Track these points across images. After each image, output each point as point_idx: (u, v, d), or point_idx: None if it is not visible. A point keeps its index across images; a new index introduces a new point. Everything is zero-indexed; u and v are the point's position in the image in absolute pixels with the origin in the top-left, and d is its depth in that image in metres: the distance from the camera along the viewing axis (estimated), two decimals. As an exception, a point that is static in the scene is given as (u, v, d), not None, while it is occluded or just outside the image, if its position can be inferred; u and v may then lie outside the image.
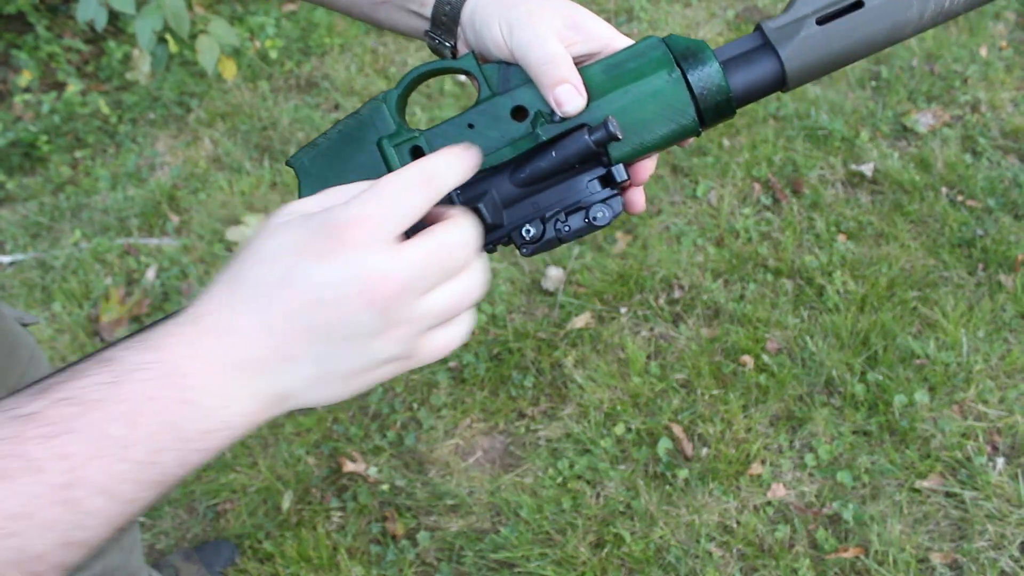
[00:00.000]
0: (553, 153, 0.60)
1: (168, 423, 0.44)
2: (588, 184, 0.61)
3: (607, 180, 0.61)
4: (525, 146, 0.61)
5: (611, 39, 0.63)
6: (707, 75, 0.60)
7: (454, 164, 0.53)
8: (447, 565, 1.68)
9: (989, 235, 2.09)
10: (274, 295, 0.47)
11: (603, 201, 0.61)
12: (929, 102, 2.49)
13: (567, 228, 0.61)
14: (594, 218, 0.61)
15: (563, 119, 0.60)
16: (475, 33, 0.64)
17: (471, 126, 0.62)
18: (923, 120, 2.43)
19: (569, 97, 0.59)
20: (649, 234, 2.21)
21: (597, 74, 0.61)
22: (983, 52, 2.62)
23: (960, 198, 2.21)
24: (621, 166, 0.61)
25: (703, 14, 2.96)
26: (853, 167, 2.31)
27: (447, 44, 0.67)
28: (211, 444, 0.46)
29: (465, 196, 0.61)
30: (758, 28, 0.61)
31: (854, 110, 2.48)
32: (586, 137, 0.58)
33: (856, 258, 2.09)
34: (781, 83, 0.61)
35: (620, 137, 0.58)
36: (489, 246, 0.63)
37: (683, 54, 0.60)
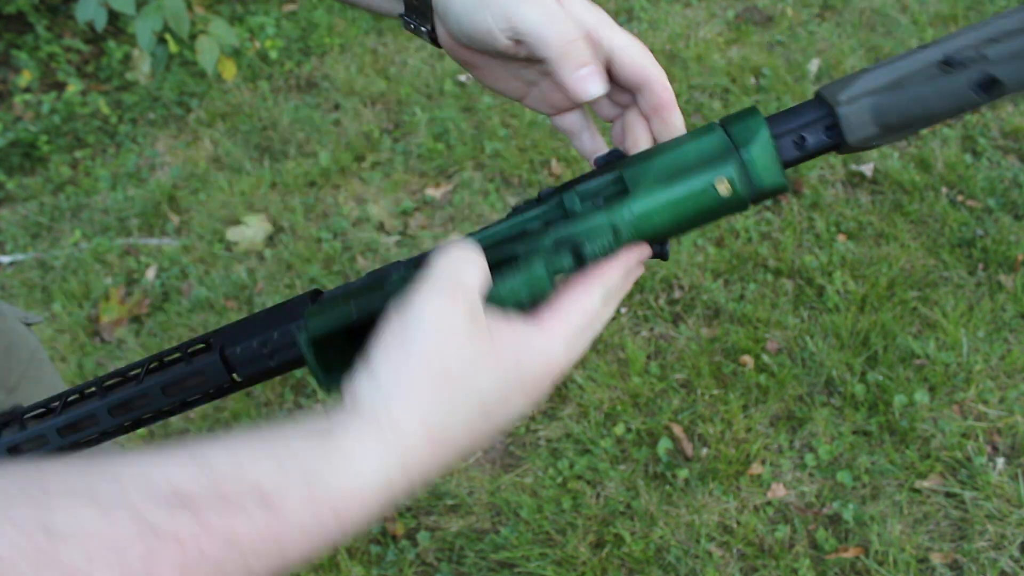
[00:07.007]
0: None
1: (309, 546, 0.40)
2: None
3: None
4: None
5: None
6: (767, 184, 0.51)
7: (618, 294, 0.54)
8: (447, 565, 1.68)
9: (989, 235, 2.09)
10: (445, 395, 0.45)
11: None
12: (929, 102, 2.49)
13: None
14: None
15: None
16: (457, 19, 0.56)
17: None
18: (923, 120, 2.43)
19: (594, 79, 0.54)
20: (649, 234, 2.21)
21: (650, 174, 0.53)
22: (983, 52, 2.61)
23: (960, 198, 2.21)
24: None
25: (703, 14, 2.96)
26: (853, 167, 2.31)
27: (424, 28, 0.61)
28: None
29: None
30: (823, 102, 0.52)
31: (854, 110, 2.47)
32: None
33: (856, 258, 2.09)
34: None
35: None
36: None
37: (753, 178, 0.51)
